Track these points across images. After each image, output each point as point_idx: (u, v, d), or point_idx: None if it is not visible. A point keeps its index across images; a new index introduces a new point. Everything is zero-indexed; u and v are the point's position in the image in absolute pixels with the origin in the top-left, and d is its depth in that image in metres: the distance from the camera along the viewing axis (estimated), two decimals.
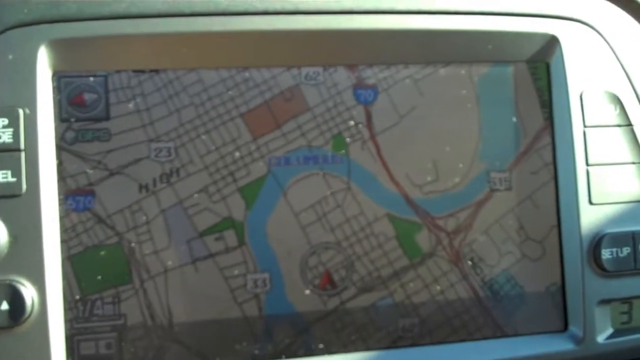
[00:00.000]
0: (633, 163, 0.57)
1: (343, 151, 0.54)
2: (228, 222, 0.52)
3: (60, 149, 0.50)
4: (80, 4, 0.49)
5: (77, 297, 0.50)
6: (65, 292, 0.49)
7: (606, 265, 0.56)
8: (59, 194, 0.49)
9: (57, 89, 0.50)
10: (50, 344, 0.48)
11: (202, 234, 0.52)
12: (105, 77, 0.51)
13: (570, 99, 0.56)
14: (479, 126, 0.56)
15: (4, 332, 0.47)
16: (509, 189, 0.56)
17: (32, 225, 0.48)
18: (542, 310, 0.57)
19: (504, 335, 0.56)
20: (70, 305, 0.50)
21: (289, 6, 0.52)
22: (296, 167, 0.53)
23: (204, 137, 0.52)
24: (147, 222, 0.51)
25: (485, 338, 0.56)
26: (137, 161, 0.51)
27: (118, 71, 0.51)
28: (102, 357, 0.50)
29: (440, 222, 0.55)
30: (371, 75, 0.54)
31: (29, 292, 0.47)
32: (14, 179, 0.47)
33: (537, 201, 0.57)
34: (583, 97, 0.56)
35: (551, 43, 0.57)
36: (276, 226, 0.53)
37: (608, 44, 0.58)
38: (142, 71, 0.51)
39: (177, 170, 0.51)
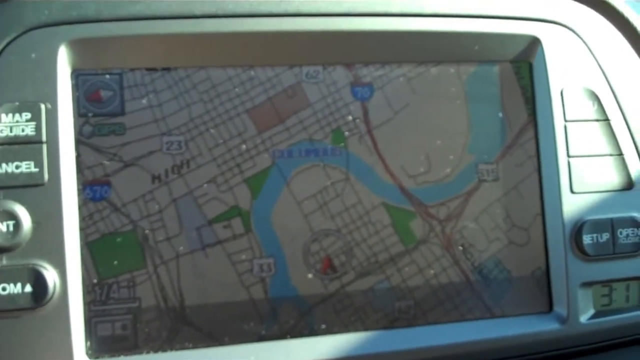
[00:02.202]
0: (610, 155, 0.60)
1: (342, 144, 0.56)
2: (235, 211, 0.54)
3: (78, 142, 0.52)
4: (98, 6, 0.51)
5: (95, 281, 0.52)
6: (83, 276, 0.51)
7: (587, 250, 0.58)
8: (78, 184, 0.52)
9: (76, 86, 0.52)
10: (70, 324, 0.50)
11: (211, 222, 0.54)
12: (121, 74, 0.53)
13: (552, 96, 0.59)
14: (467, 121, 0.59)
15: (27, 313, 0.49)
16: (496, 179, 0.59)
17: (53, 212, 0.50)
18: (529, 292, 0.59)
19: (494, 316, 0.58)
20: (88, 288, 0.52)
21: (291, 9, 0.55)
22: (298, 159, 0.56)
23: (212, 131, 0.54)
24: (160, 211, 0.53)
25: (476, 319, 0.58)
26: (150, 153, 0.53)
27: (132, 69, 0.53)
28: (118, 338, 0.52)
29: (433, 211, 0.58)
30: (367, 73, 0.57)
31: (50, 275, 0.49)
32: (37, 169, 0.50)
33: (522, 191, 0.59)
34: (563, 94, 0.59)
35: (533, 44, 0.60)
36: (280, 214, 0.55)
37: (586, 44, 0.61)
38: (155, 69, 0.54)
39: (188, 162, 0.54)
